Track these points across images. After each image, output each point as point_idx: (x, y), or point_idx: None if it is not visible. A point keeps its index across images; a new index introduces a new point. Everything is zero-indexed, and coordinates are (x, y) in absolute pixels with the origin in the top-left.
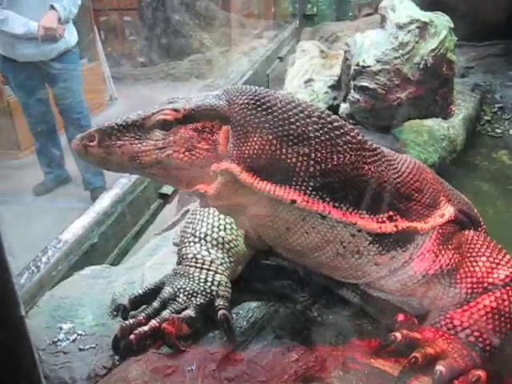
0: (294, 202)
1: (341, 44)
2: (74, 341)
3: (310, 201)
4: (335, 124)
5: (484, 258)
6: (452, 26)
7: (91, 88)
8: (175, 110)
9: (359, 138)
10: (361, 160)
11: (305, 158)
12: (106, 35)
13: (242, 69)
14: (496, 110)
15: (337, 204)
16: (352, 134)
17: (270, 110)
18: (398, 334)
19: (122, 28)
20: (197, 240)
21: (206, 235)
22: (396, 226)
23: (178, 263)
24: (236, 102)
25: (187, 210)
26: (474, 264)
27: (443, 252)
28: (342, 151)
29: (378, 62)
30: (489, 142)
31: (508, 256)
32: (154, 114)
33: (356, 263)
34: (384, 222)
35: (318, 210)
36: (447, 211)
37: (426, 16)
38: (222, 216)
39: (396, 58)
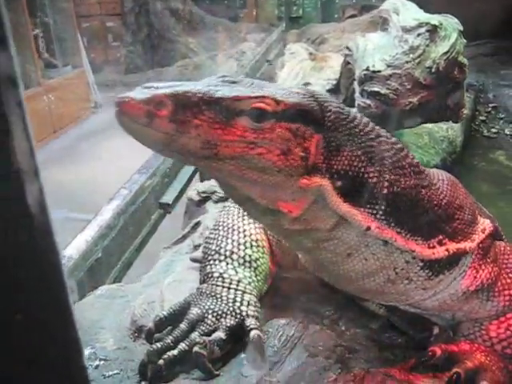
0: (369, 228)
1: (328, 46)
2: (97, 367)
3: (381, 227)
4: (399, 145)
5: None
6: (461, 28)
7: (75, 94)
8: (276, 101)
9: (416, 160)
10: (419, 183)
11: (380, 179)
12: (89, 41)
13: (231, 73)
14: (490, 109)
15: (399, 230)
16: (410, 155)
17: (355, 123)
18: (436, 349)
19: (106, 34)
20: (222, 258)
21: (232, 253)
22: (447, 250)
23: (203, 281)
24: (329, 110)
25: (197, 223)
26: (511, 275)
27: (483, 267)
28: (407, 174)
29: (388, 66)
30: (485, 142)
31: None
32: (250, 97)
33: (404, 289)
34: (435, 246)
35: (387, 237)
36: (486, 225)
37: (434, 19)
38: (247, 233)
39: (407, 62)
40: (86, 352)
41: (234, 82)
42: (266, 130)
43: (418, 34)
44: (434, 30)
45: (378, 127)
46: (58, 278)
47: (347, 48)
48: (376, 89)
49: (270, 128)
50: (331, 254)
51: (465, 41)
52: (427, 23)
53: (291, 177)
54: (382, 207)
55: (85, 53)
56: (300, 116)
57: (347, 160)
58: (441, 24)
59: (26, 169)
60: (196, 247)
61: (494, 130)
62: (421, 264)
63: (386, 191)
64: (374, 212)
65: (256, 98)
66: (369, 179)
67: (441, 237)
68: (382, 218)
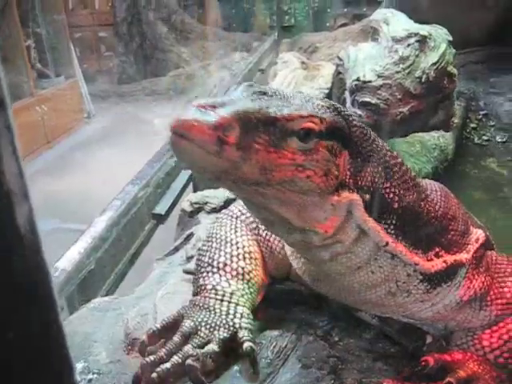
0: (387, 243)
1: (320, 55)
2: (90, 381)
3: (395, 242)
4: (400, 159)
5: (511, 279)
6: (451, 38)
7: (68, 105)
8: (321, 120)
9: (413, 173)
10: (419, 197)
11: (395, 193)
12: (81, 52)
13: (224, 83)
14: (481, 117)
15: (404, 244)
16: (409, 168)
17: (373, 138)
18: (430, 359)
19: (98, 44)
20: (215, 270)
21: (225, 265)
22: (445, 262)
23: (196, 294)
24: (355, 125)
25: (190, 234)
26: (503, 285)
27: (476, 277)
28: (410, 188)
29: (379, 76)
30: (476, 149)
31: None
32: (301, 117)
33: (403, 301)
34: (432, 259)
35: (398, 252)
36: (479, 235)
37: (424, 29)
38: (239, 245)
39: (397, 72)
40: (79, 366)
41: (264, 93)
42: (312, 151)
43: (408, 45)
44: (423, 41)
45: (381, 140)
46: (47, 296)
47: (338, 58)
48: (367, 99)
49: (314, 148)
50: (342, 266)
51: (454, 51)
52: (417, 33)
53: (326, 195)
54: (393, 222)
55: (77, 63)
56: (335, 133)
57: (370, 176)
58: (430, 34)
59: (16, 190)
60: (189, 259)
61: (485, 138)
62: (420, 277)
63: (396, 206)
64: (386, 227)
65: (306, 117)
66: (385, 194)
67: (437, 249)
68: (392, 232)
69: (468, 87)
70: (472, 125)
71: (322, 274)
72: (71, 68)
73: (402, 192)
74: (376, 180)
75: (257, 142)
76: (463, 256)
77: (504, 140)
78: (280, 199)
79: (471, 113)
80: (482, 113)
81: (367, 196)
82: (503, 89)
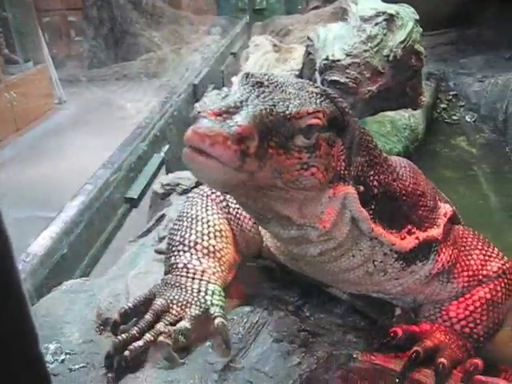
0: (372, 229)
1: (292, 38)
2: (62, 361)
3: (375, 225)
4: (375, 142)
5: (477, 251)
6: (417, 17)
7: (38, 91)
8: (324, 113)
9: (384, 154)
10: (392, 177)
11: (377, 180)
12: (50, 37)
13: (196, 66)
14: (451, 97)
15: (382, 225)
16: (380, 150)
17: (358, 124)
18: (398, 330)
19: (67, 29)
20: (186, 248)
21: (196, 243)
22: (417, 239)
23: (167, 272)
24: (348, 112)
25: (162, 215)
26: (469, 258)
27: (445, 250)
28: (385, 170)
29: (347, 55)
30: (447, 129)
31: (496, 248)
32: (308, 113)
33: (379, 280)
34: (405, 237)
35: (379, 235)
36: (447, 209)
37: (391, 8)
38: (210, 223)
39: (365, 51)
40: (52, 347)
41: (261, 85)
42: (315, 147)
43: (376, 24)
44: (391, 19)
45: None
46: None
47: (308, 38)
48: (336, 78)
49: (316, 143)
50: (327, 256)
51: (421, 29)
52: (384, 12)
53: (324, 189)
54: (374, 206)
55: (46, 48)
56: (330, 123)
57: (361, 165)
58: (397, 13)
59: None
60: (161, 239)
61: (455, 117)
62: (395, 256)
63: (376, 191)
64: (371, 213)
65: (312, 113)
66: (370, 182)
67: (409, 226)
68: (372, 216)
69: (438, 68)
70: (442, 105)
71: (303, 260)
72: (40, 53)
73: (381, 177)
74: (365, 169)
75: (270, 147)
76: (435, 231)
77: (473, 119)
78: (283, 198)
79: (441, 93)
80: (451, 93)
81: (361, 187)
82: (472, 69)
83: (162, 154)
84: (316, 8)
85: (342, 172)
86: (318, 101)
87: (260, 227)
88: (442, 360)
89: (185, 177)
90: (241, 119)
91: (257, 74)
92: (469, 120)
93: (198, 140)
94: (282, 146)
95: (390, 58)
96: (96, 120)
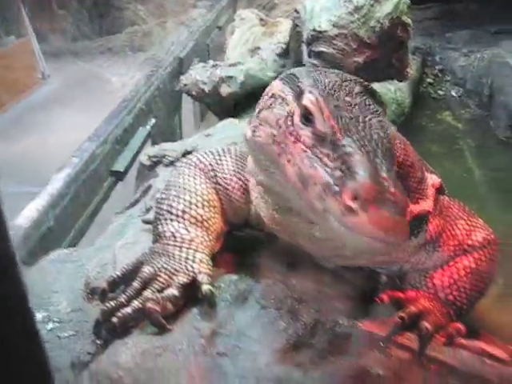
0: None
1: (278, 11)
2: (51, 330)
3: None
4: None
5: (463, 222)
6: None
7: (21, 65)
8: None
9: None
10: None
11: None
12: (32, 10)
13: (182, 40)
14: (437, 72)
15: None
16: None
17: None
18: (384, 296)
19: (50, 2)
20: (174, 217)
21: (184, 212)
22: (411, 212)
23: (155, 241)
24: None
25: (149, 186)
26: (455, 227)
27: (432, 220)
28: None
29: (334, 26)
30: (432, 103)
31: (481, 220)
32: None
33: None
34: None
35: None
36: (434, 179)
37: None
38: (198, 193)
39: (352, 22)
40: (39, 315)
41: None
42: None
43: None
44: None
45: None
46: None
47: (295, 11)
48: (322, 49)
49: None
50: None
51: (408, 1)
52: None
53: None
54: None
55: (28, 22)
56: None
57: None
58: None
59: None
60: (148, 210)
61: (441, 92)
62: None
63: None
64: None
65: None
66: None
67: None
68: None
69: (424, 42)
70: (428, 79)
71: (304, 238)
72: (22, 27)
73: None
74: None
75: None
76: (426, 204)
77: (459, 94)
78: None
79: (427, 68)
80: (437, 68)
81: None
82: (458, 44)
83: (148, 127)
84: None
85: None
86: None
87: (253, 195)
88: (426, 325)
89: (171, 148)
90: (389, 185)
91: None
92: (454, 95)
93: (382, 232)
94: None
95: (377, 29)
96: (81, 94)
